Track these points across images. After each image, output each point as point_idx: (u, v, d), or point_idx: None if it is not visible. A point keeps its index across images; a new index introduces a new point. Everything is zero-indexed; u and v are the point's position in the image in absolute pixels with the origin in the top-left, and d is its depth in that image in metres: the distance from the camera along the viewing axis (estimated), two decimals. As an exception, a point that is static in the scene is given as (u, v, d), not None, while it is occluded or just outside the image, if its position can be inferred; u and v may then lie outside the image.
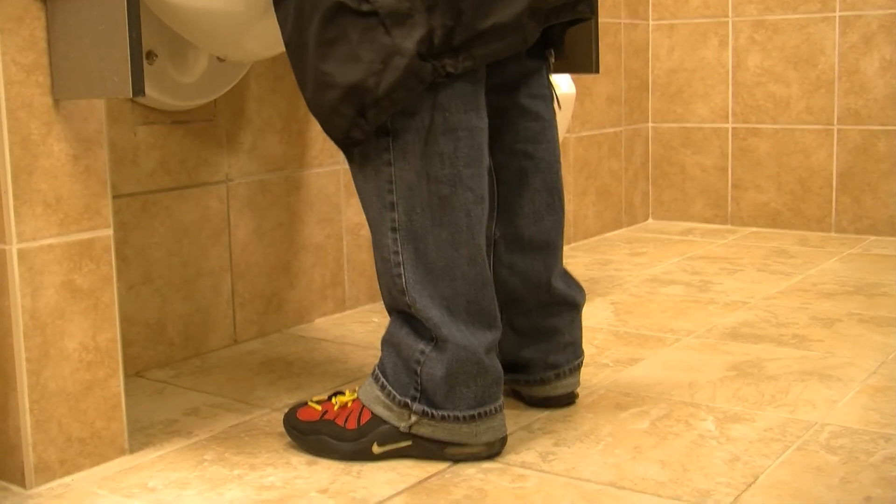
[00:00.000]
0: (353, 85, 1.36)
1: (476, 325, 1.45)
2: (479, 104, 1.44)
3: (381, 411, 1.48)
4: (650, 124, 3.59)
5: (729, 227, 3.47)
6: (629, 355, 1.99)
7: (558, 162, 1.65)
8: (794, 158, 3.33)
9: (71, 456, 1.46)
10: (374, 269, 1.50)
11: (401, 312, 1.48)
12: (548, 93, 1.64)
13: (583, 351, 1.71)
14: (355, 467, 1.47)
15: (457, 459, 1.48)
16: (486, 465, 1.46)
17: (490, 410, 1.47)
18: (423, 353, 1.45)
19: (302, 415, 1.54)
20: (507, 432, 1.51)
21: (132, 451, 1.55)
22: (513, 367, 1.69)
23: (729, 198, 3.47)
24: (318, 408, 1.54)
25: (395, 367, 1.48)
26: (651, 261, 2.92)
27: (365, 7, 1.34)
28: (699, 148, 3.50)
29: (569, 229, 3.20)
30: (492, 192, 1.62)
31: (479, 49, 1.39)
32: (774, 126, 3.35)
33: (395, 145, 1.40)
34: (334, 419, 1.50)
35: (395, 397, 1.47)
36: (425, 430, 1.46)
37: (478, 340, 1.45)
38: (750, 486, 1.37)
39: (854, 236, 3.22)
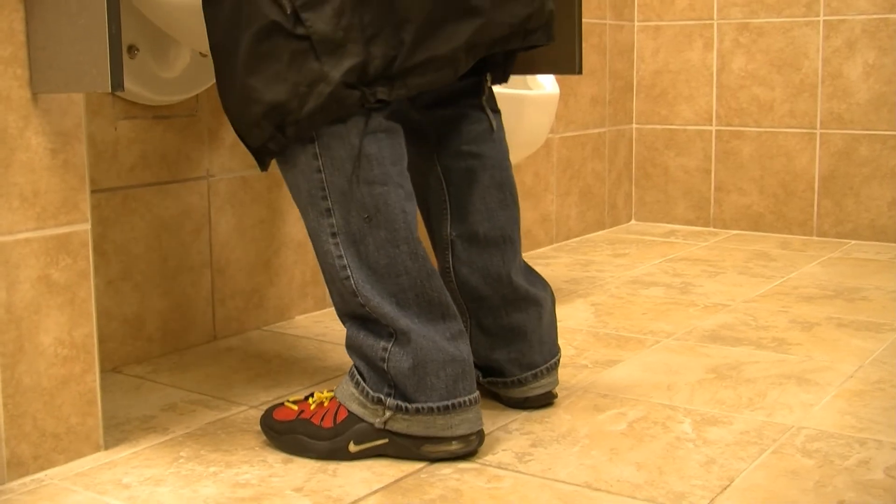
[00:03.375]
0: (276, 104, 1.39)
1: (428, 316, 1.46)
2: (392, 109, 1.46)
3: (356, 409, 1.48)
4: (634, 125, 3.60)
5: (711, 229, 3.47)
6: (608, 357, 1.99)
7: (507, 159, 1.67)
8: (776, 162, 3.34)
9: (45, 451, 1.46)
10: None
11: (355, 318, 1.49)
12: (488, 103, 1.66)
13: (559, 348, 1.71)
14: (331, 466, 1.46)
15: (433, 458, 1.47)
16: (462, 465, 1.46)
17: (464, 402, 1.47)
18: (385, 349, 1.45)
19: (278, 415, 1.54)
20: (485, 433, 1.51)
21: (107, 447, 1.55)
22: (488, 370, 1.69)
23: (711, 200, 3.47)
24: (295, 407, 1.53)
25: (366, 367, 1.49)
26: (633, 262, 2.93)
27: (299, 30, 1.36)
28: (682, 150, 3.51)
29: (551, 229, 3.21)
30: (442, 195, 1.65)
31: (414, 80, 1.42)
32: (758, 129, 3.36)
33: (321, 151, 1.42)
34: (310, 418, 1.50)
35: (369, 394, 1.47)
36: (400, 425, 1.46)
37: (435, 330, 1.45)
38: (725, 488, 1.37)
39: (835, 240, 3.23)
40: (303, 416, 1.51)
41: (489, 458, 1.49)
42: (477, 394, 1.49)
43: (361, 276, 1.44)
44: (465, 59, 1.46)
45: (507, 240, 1.65)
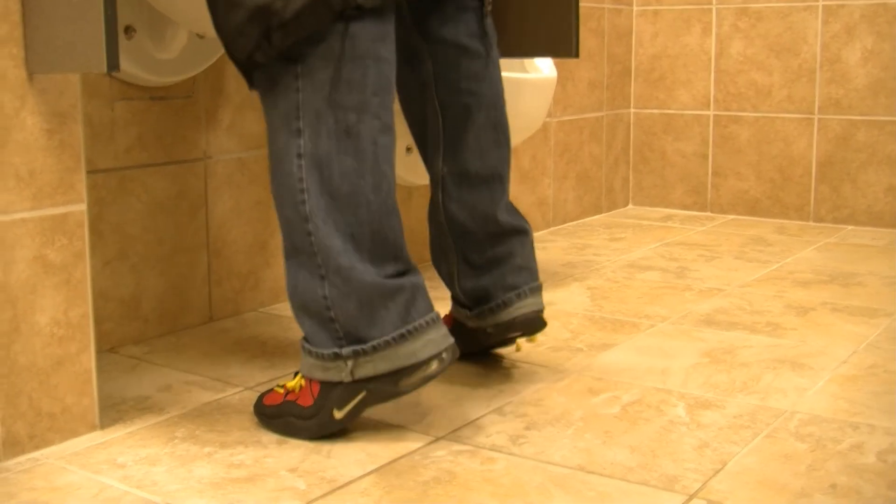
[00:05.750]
0: (260, 6, 1.36)
1: (380, 254, 1.44)
2: (386, 36, 1.44)
3: (321, 375, 1.47)
4: (632, 110, 3.60)
5: (708, 214, 3.48)
6: (603, 340, 2.00)
7: (502, 98, 1.70)
8: (774, 147, 3.33)
9: (40, 431, 1.46)
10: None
11: (296, 255, 1.46)
12: (488, 32, 1.68)
13: (538, 277, 1.75)
14: (325, 447, 1.47)
15: (412, 388, 1.46)
16: (457, 447, 1.47)
17: (421, 325, 1.45)
18: (325, 297, 1.43)
19: (267, 400, 1.54)
20: (479, 415, 1.52)
21: (103, 426, 1.55)
22: (475, 301, 1.71)
23: (709, 185, 3.47)
24: (282, 391, 1.53)
25: (311, 327, 1.47)
26: (629, 246, 2.93)
27: None
28: (680, 134, 3.51)
29: (548, 213, 3.21)
30: (438, 129, 1.67)
31: None
32: (755, 114, 3.36)
33: (303, 72, 1.41)
34: (296, 400, 1.50)
35: (323, 354, 1.45)
36: (366, 369, 1.44)
37: (380, 270, 1.43)
38: (718, 472, 1.38)
39: (832, 226, 3.24)
40: (289, 398, 1.51)
41: (483, 440, 1.49)
42: (435, 313, 1.47)
43: (319, 204, 1.42)
44: None
45: (497, 178, 1.68)
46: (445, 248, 1.73)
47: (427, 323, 1.45)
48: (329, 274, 1.42)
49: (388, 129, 1.45)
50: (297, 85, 1.41)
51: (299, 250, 1.45)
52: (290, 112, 1.42)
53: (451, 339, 1.48)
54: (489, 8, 1.68)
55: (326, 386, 1.47)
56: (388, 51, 1.45)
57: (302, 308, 1.47)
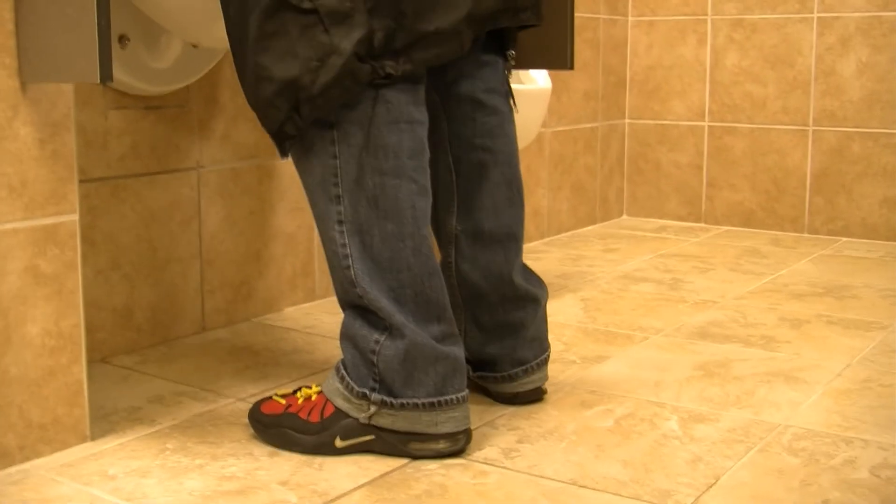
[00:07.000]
0: (289, 80, 1.37)
1: (424, 315, 1.45)
2: (419, 99, 1.45)
3: (342, 404, 1.48)
4: (627, 121, 3.60)
5: (703, 225, 3.48)
6: (597, 353, 1.99)
7: (517, 156, 1.66)
8: (769, 158, 3.34)
9: (31, 442, 1.45)
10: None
11: (354, 307, 1.48)
12: (505, 88, 1.65)
13: (549, 345, 1.72)
14: (317, 460, 1.46)
15: (419, 455, 1.47)
16: (448, 460, 1.46)
17: (451, 400, 1.46)
18: (377, 342, 1.45)
19: (266, 408, 1.53)
20: (472, 428, 1.51)
21: (94, 437, 1.54)
22: (480, 364, 1.69)
23: (703, 196, 3.48)
24: (282, 402, 1.53)
25: (353, 359, 1.48)
26: (623, 257, 2.93)
27: (306, 4, 1.36)
28: (675, 145, 3.51)
29: (542, 224, 3.20)
30: (451, 186, 1.64)
31: (419, 53, 1.41)
32: (750, 125, 3.36)
33: (339, 137, 1.41)
34: (297, 413, 1.50)
35: (353, 389, 1.47)
36: (385, 420, 1.46)
37: (428, 331, 1.45)
38: (711, 487, 1.38)
39: (827, 237, 3.24)
40: (290, 410, 1.51)
41: (475, 453, 1.49)
42: (466, 392, 1.49)
43: (362, 268, 1.44)
44: (467, 31, 1.45)
45: (512, 238, 1.64)
46: (454, 306, 1.68)
47: (457, 400, 1.47)
48: (389, 327, 1.44)
49: (425, 192, 1.46)
50: (334, 151, 1.42)
51: (359, 308, 1.47)
52: (327, 178, 1.43)
53: (469, 424, 1.50)
54: (513, 63, 1.65)
55: (340, 412, 1.48)
56: (421, 112, 1.45)
57: (351, 340, 1.48)
